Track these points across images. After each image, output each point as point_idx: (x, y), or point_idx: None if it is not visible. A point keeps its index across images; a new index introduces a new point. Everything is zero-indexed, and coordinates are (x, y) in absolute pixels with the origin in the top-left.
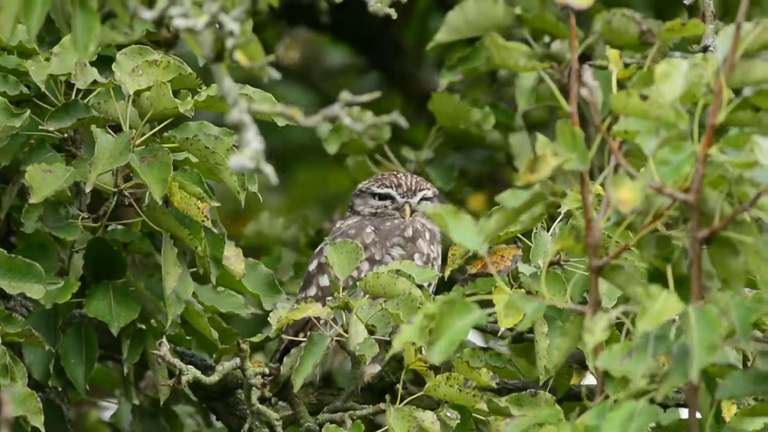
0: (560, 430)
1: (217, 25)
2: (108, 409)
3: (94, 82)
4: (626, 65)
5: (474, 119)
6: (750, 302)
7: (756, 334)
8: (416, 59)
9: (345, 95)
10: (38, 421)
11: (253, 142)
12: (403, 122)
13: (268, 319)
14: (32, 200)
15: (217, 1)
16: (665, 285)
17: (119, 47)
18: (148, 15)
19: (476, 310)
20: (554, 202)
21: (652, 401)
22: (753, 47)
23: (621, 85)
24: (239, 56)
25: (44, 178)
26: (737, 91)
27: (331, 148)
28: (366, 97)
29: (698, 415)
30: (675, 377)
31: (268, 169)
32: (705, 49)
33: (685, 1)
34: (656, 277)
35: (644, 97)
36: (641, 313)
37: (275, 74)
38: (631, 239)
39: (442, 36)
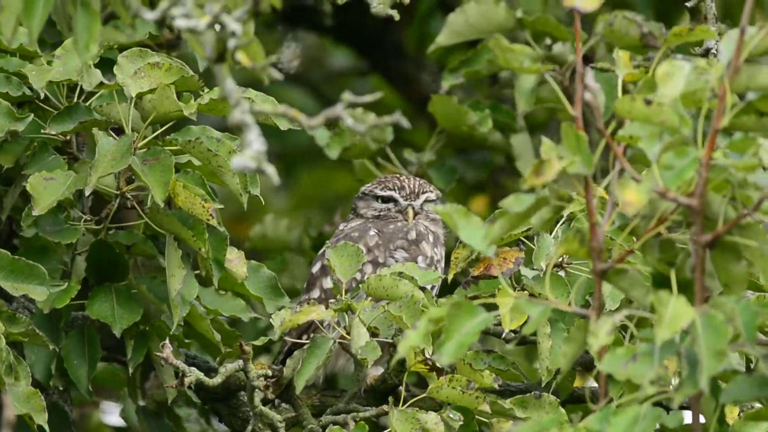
0: None
1: (219, 26)
2: (111, 411)
3: (100, 84)
4: (635, 67)
5: (471, 122)
6: (754, 306)
7: (759, 338)
8: (417, 62)
9: (347, 96)
10: (42, 419)
11: (255, 143)
12: (405, 123)
13: (271, 321)
14: (35, 212)
15: (219, 2)
16: (669, 289)
17: (121, 49)
18: (149, 16)
19: (483, 313)
20: (561, 206)
21: (655, 404)
22: (757, 51)
23: (626, 89)
24: (241, 57)
25: (46, 187)
26: (741, 96)
27: (333, 153)
28: (368, 98)
29: (702, 419)
30: (687, 386)
31: (270, 170)
32: (707, 53)
33: (687, 4)
34: (660, 281)
35: (648, 102)
36: (659, 321)
37: (277, 75)
38: (634, 243)
39: (443, 39)
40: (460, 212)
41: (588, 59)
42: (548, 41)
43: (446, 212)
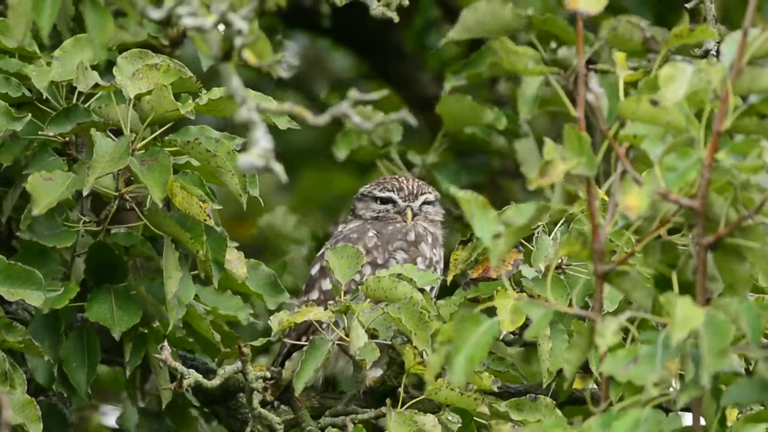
0: None
1: (225, 24)
2: (111, 413)
3: (96, 86)
4: (634, 69)
5: (487, 120)
6: (757, 307)
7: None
8: (416, 63)
9: (353, 93)
10: (37, 429)
11: (262, 140)
12: (412, 120)
13: (269, 322)
14: (35, 212)
15: (225, 0)
16: (671, 291)
17: (120, 50)
18: (156, 14)
19: (486, 320)
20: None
21: (657, 407)
22: (759, 53)
23: (626, 92)
24: (247, 55)
25: (45, 187)
26: (743, 98)
27: (341, 154)
28: (375, 95)
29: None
30: (691, 388)
31: (278, 168)
32: (706, 54)
33: (686, 5)
34: (662, 282)
35: (655, 103)
36: (672, 321)
37: (283, 72)
38: (635, 245)
39: (455, 34)
40: (479, 202)
41: (591, 63)
42: (553, 45)
43: (465, 198)
